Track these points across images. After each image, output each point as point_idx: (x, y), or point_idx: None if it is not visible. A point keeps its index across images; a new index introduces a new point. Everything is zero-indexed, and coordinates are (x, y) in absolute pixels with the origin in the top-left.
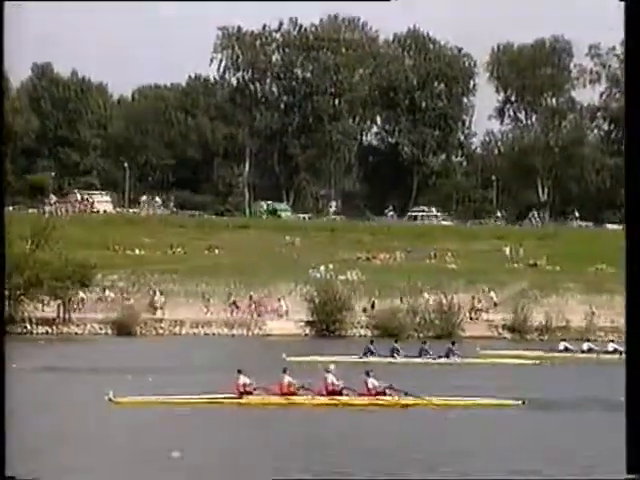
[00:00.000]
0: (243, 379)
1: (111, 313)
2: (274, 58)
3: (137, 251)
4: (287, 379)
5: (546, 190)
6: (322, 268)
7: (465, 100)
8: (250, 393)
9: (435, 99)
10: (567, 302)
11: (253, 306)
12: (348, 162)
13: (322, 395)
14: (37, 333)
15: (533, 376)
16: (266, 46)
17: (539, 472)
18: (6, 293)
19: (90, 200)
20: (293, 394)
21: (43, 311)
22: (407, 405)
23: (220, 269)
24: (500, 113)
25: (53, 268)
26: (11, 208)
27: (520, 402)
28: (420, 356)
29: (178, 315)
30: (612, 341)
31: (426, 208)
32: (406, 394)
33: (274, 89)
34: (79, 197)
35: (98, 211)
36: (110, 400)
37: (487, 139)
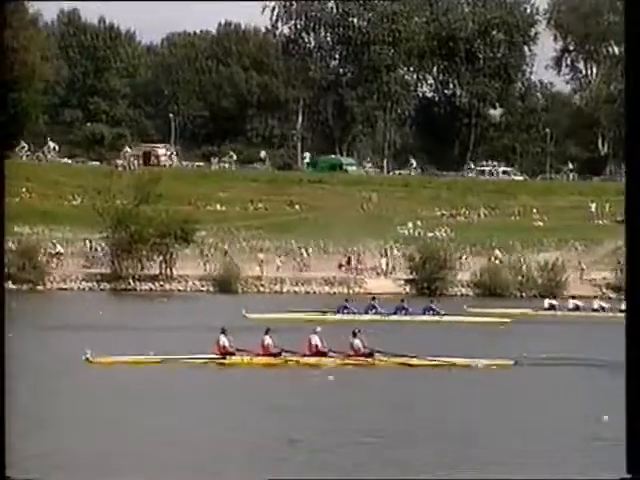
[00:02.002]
0: (223, 339)
1: (212, 269)
2: (328, 6)
3: (218, 206)
4: (267, 340)
5: (606, 144)
6: (410, 225)
7: (526, 49)
8: (232, 354)
9: (495, 48)
10: None
11: (353, 263)
12: (405, 114)
13: (306, 356)
14: (140, 290)
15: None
16: None
17: None
18: (111, 249)
19: (155, 153)
20: (274, 355)
21: (143, 268)
22: (392, 365)
23: (304, 225)
24: (557, 63)
25: (156, 224)
26: (69, 160)
27: (512, 362)
28: (396, 313)
29: (274, 272)
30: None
31: (495, 163)
32: (394, 355)
33: (328, 39)
34: (137, 152)
35: (165, 165)
36: (87, 360)
37: (544, 90)
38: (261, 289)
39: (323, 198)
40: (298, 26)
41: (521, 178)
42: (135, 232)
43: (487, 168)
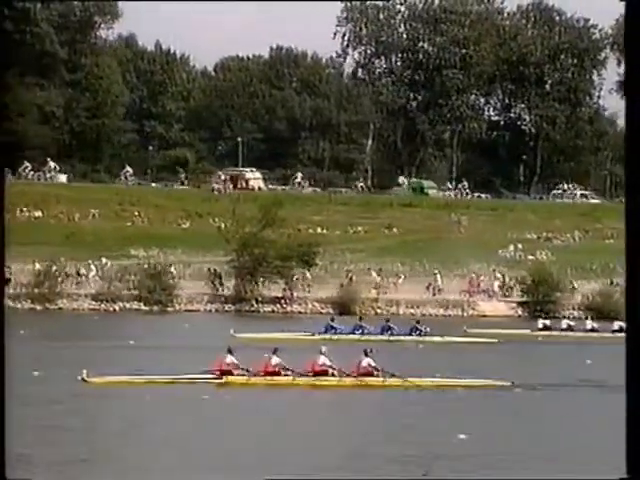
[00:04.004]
0: (231, 358)
1: (330, 292)
2: (399, 31)
3: (318, 229)
4: (275, 360)
5: None
6: (511, 248)
7: (594, 73)
8: (231, 373)
9: (564, 72)
10: None
11: (466, 286)
12: (474, 137)
13: (306, 375)
14: (264, 311)
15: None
16: (391, 19)
17: None
18: (235, 272)
19: (242, 177)
20: (277, 374)
21: (266, 291)
22: (391, 386)
23: (405, 248)
24: (621, 87)
25: (278, 247)
26: (154, 184)
27: (509, 383)
28: (382, 333)
29: (390, 295)
30: None
31: (571, 186)
32: (392, 375)
33: (398, 63)
34: (226, 175)
35: (253, 188)
36: (83, 380)
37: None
38: (378, 311)
39: (416, 221)
40: (368, 51)
41: (598, 201)
42: (259, 255)
43: (562, 191)
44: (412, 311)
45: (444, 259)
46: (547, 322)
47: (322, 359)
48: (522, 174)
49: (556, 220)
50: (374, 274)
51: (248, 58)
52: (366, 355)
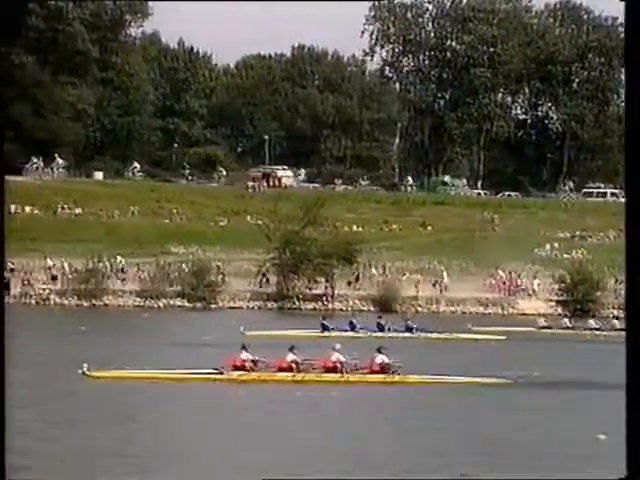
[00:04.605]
0: (245, 354)
1: (370, 290)
2: (426, 30)
3: (354, 227)
4: (291, 356)
5: None
6: (547, 247)
7: (622, 72)
8: (244, 369)
9: (592, 71)
10: None
11: (506, 285)
12: (501, 136)
13: (327, 372)
14: (305, 309)
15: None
16: (419, 17)
17: None
18: (277, 269)
19: (275, 175)
20: (291, 370)
21: (307, 288)
22: (394, 383)
23: (441, 246)
24: None
25: (320, 245)
26: (184, 181)
27: (510, 381)
28: (380, 330)
29: (429, 292)
30: None
31: (602, 185)
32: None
33: (426, 62)
34: (257, 173)
35: (285, 186)
36: (84, 374)
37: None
38: (418, 309)
39: (449, 219)
40: (396, 49)
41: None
42: (301, 253)
43: (594, 190)
44: (452, 309)
45: (480, 257)
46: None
47: (336, 355)
48: (548, 173)
49: (587, 219)
50: (413, 272)
51: (270, 56)
52: (379, 352)
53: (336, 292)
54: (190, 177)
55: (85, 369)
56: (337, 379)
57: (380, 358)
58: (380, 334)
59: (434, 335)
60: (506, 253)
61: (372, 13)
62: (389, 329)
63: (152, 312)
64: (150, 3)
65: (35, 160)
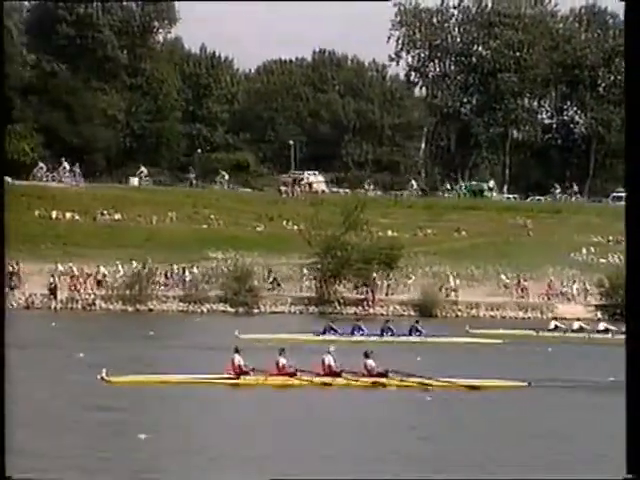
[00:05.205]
0: (238, 359)
1: (409, 295)
2: (453, 35)
3: (389, 232)
4: (282, 360)
5: None
6: (584, 251)
7: None
8: (247, 373)
9: (619, 75)
10: None
11: (545, 289)
12: (528, 140)
13: (319, 376)
14: (346, 313)
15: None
16: (444, 23)
17: None
18: (318, 274)
19: (306, 180)
20: (290, 375)
21: (351, 292)
22: (407, 386)
23: (477, 251)
24: None
25: (361, 250)
26: (216, 187)
27: (526, 383)
28: (383, 334)
29: (465, 297)
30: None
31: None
32: (409, 375)
33: (452, 67)
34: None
35: (317, 191)
36: (102, 379)
37: None
38: (459, 313)
39: (482, 224)
40: (422, 55)
41: None
42: (342, 258)
43: (624, 194)
44: (492, 313)
45: (516, 262)
46: (558, 323)
47: (329, 359)
48: (574, 177)
49: (620, 223)
50: (452, 277)
51: (291, 61)
52: (367, 356)
53: (377, 297)
54: (220, 182)
55: (104, 374)
56: (329, 382)
57: (369, 363)
58: (381, 338)
59: (439, 339)
60: (542, 258)
61: (398, 18)
62: (392, 333)
63: (197, 317)
64: (177, 7)
65: (66, 166)
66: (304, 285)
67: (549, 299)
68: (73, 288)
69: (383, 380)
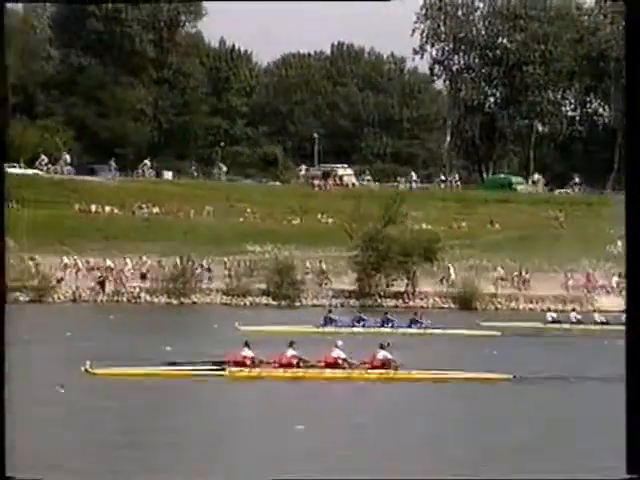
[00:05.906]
0: (247, 351)
1: (448, 287)
2: (477, 28)
3: (423, 225)
4: (290, 352)
5: None
6: (619, 243)
7: None
8: (244, 364)
9: None
10: None
11: (585, 282)
12: (554, 133)
13: (328, 368)
14: (387, 306)
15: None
16: (469, 15)
17: None
18: (359, 267)
19: (335, 173)
20: (292, 367)
21: (388, 286)
22: (394, 379)
23: (511, 243)
24: None
25: (401, 243)
26: (248, 181)
27: (511, 376)
28: (383, 325)
29: (507, 290)
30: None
31: None
32: (421, 369)
33: (477, 60)
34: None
35: (347, 185)
36: (86, 371)
37: None
38: (498, 306)
39: (515, 217)
40: (446, 48)
41: None
42: (382, 251)
43: None
44: (531, 306)
45: (553, 255)
46: (555, 315)
47: (337, 352)
48: (599, 169)
49: None
50: (489, 270)
51: (309, 55)
52: (382, 348)
53: (417, 290)
54: (250, 176)
55: (88, 367)
56: (339, 375)
57: (382, 354)
58: (384, 330)
59: (437, 331)
60: (578, 251)
61: (423, 11)
62: (392, 325)
63: (241, 309)
64: (204, 3)
65: (67, 158)
66: (344, 279)
67: (589, 292)
68: (119, 281)
69: (395, 373)
